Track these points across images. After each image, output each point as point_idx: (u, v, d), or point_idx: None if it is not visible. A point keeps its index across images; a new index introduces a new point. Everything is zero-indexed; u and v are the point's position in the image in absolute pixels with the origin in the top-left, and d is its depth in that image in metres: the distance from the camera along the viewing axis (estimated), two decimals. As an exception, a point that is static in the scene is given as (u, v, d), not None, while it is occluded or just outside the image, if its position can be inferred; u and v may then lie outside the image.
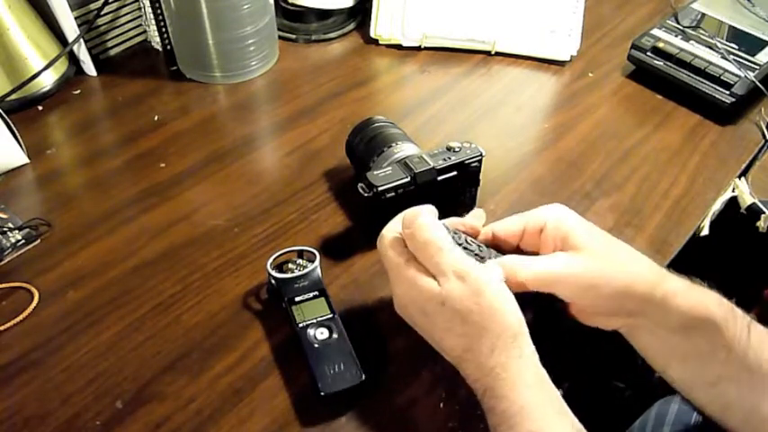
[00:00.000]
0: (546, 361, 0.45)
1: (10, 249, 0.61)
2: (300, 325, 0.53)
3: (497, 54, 0.89)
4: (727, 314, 0.46)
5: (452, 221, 0.52)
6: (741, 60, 0.80)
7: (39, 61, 0.76)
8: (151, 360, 0.53)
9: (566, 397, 0.44)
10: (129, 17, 0.85)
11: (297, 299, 0.55)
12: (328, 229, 0.65)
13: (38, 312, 0.57)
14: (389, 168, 0.59)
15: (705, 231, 0.68)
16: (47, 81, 0.78)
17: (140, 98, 0.80)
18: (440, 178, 0.59)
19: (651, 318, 0.47)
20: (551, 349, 0.45)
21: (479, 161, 0.61)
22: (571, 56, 0.88)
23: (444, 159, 0.59)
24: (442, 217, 0.50)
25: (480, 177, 0.63)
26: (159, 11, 0.79)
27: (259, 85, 0.84)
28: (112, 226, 0.64)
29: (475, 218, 0.53)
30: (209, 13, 0.76)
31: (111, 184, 0.69)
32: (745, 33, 0.85)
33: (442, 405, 0.51)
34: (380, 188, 0.57)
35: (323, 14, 0.92)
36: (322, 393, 0.49)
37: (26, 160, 0.71)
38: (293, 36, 0.91)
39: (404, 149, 0.63)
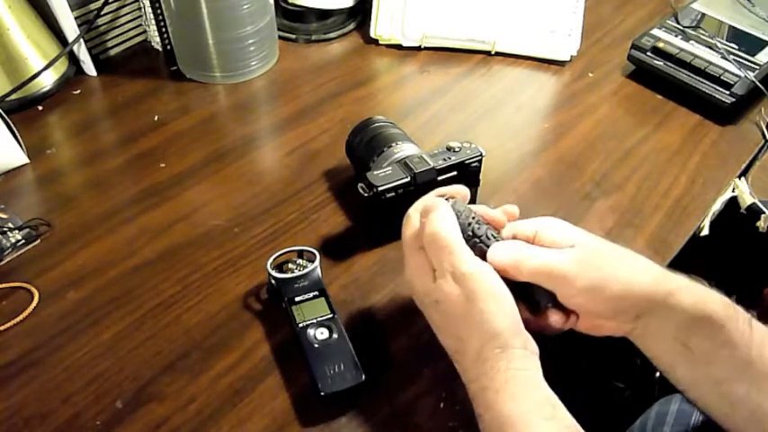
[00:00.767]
0: (546, 361, 0.45)
1: (10, 249, 0.61)
2: (300, 325, 0.53)
3: (497, 54, 0.89)
4: (729, 311, 0.45)
5: (480, 210, 0.51)
6: (741, 60, 0.80)
7: (39, 61, 0.76)
8: (151, 360, 0.53)
9: (566, 396, 0.44)
10: (129, 17, 0.85)
11: (297, 299, 0.55)
12: (328, 229, 0.65)
13: (38, 312, 0.57)
14: (389, 168, 0.59)
15: (705, 231, 0.68)
16: (47, 81, 0.78)
17: (140, 98, 0.80)
18: (440, 178, 0.59)
19: (656, 316, 0.47)
20: (551, 349, 0.45)
21: (479, 161, 0.61)
22: (571, 56, 0.88)
23: (444, 159, 0.59)
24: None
25: (480, 177, 0.63)
26: (159, 11, 0.79)
27: (259, 85, 0.84)
28: (112, 226, 0.64)
29: (504, 213, 0.52)
30: (209, 13, 0.76)
31: (111, 184, 0.69)
32: (745, 33, 0.85)
33: (442, 405, 0.51)
34: (380, 188, 0.57)
35: (323, 14, 0.92)
36: (322, 393, 0.49)
37: (26, 160, 0.71)
38: (293, 36, 0.91)
39: (404, 149, 0.63)
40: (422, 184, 0.58)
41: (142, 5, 0.84)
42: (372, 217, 0.61)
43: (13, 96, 0.75)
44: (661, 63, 0.82)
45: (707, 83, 0.78)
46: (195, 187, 0.69)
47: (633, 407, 0.72)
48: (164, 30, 0.81)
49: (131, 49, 0.88)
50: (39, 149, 0.72)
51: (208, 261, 0.61)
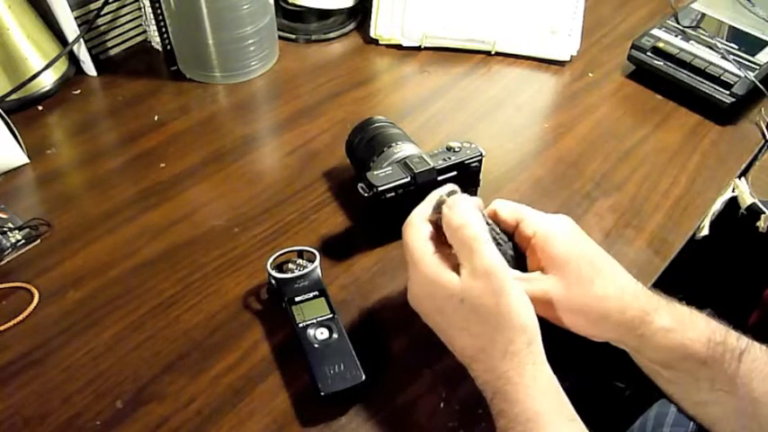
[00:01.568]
0: (546, 361, 0.45)
1: (10, 249, 0.61)
2: (300, 325, 0.53)
3: (497, 54, 0.89)
4: (715, 350, 0.45)
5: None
6: (741, 60, 0.80)
7: (39, 61, 0.76)
8: (151, 360, 0.53)
9: (567, 396, 0.44)
10: (129, 17, 0.85)
11: (297, 299, 0.55)
12: (328, 229, 0.65)
13: (38, 312, 0.57)
14: (389, 168, 0.59)
15: (705, 231, 0.68)
16: (47, 81, 0.78)
17: (140, 98, 0.80)
18: (440, 178, 0.59)
19: (629, 348, 0.48)
20: (551, 349, 0.45)
21: (479, 161, 0.61)
22: (571, 56, 0.88)
23: (444, 159, 0.59)
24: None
25: (480, 177, 0.63)
26: (159, 11, 0.79)
27: (259, 85, 0.84)
28: (112, 226, 0.64)
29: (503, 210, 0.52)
30: (209, 13, 0.76)
31: (111, 184, 0.69)
32: (745, 33, 0.85)
33: (442, 405, 0.51)
34: (380, 188, 0.57)
35: (323, 14, 0.92)
36: (322, 393, 0.49)
37: (26, 160, 0.71)
38: (293, 36, 0.91)
39: (404, 149, 0.63)
40: (422, 184, 0.58)
41: (142, 5, 0.84)
42: (372, 217, 0.61)
43: (13, 96, 0.75)
44: (661, 63, 0.82)
45: (707, 83, 0.78)
46: (195, 187, 0.69)
47: (633, 407, 0.72)
48: (164, 30, 0.81)
49: (131, 49, 0.88)
50: (39, 149, 0.72)
51: (208, 261, 0.61)
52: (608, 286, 0.46)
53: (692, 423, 0.64)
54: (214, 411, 0.50)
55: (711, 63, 0.79)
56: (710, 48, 0.81)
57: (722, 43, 0.82)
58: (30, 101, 0.77)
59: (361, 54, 0.89)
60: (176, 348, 0.54)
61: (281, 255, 0.59)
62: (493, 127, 0.78)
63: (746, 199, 0.70)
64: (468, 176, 0.61)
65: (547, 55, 0.88)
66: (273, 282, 0.57)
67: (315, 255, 0.58)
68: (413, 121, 0.77)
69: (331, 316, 0.54)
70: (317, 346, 0.52)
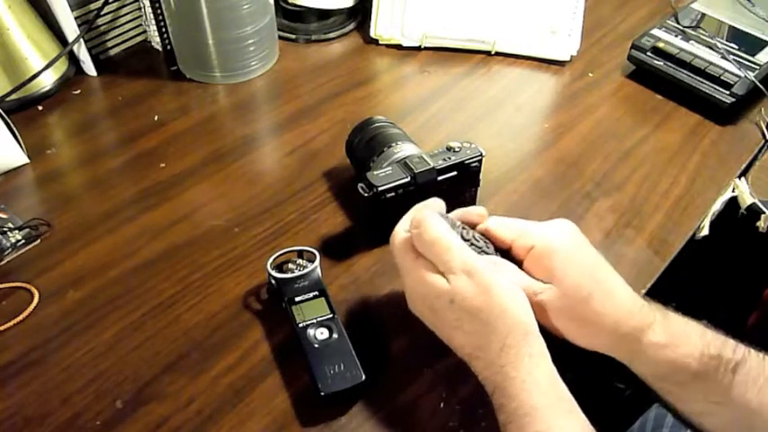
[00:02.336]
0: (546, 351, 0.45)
1: (10, 249, 0.61)
2: (300, 325, 0.53)
3: (497, 54, 0.89)
4: (708, 364, 0.45)
5: (458, 213, 0.52)
6: (741, 60, 0.80)
7: (39, 61, 0.76)
8: (151, 360, 0.53)
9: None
10: (129, 17, 0.85)
11: (297, 299, 0.55)
12: (328, 229, 0.65)
13: (38, 312, 0.57)
14: (389, 168, 0.59)
15: (705, 231, 0.68)
16: (47, 81, 0.78)
17: (140, 98, 0.80)
18: (440, 178, 0.59)
19: (622, 359, 0.48)
20: (551, 349, 0.45)
21: (479, 161, 0.61)
22: (571, 56, 0.88)
23: (444, 159, 0.59)
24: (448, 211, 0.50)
25: (480, 177, 0.63)
26: (159, 11, 0.79)
27: (259, 85, 0.84)
28: (112, 226, 0.64)
29: (477, 215, 0.52)
30: (209, 13, 0.76)
31: (111, 184, 0.69)
32: (745, 33, 0.85)
33: (442, 405, 0.51)
34: (380, 188, 0.57)
35: (323, 14, 0.92)
36: (322, 393, 0.49)
37: (26, 160, 0.71)
38: (293, 36, 0.91)
39: (404, 149, 0.63)
40: (422, 184, 0.58)
41: (142, 5, 0.84)
42: (372, 217, 0.61)
43: (13, 96, 0.75)
44: (661, 63, 0.82)
45: (707, 83, 0.78)
46: (195, 187, 0.69)
47: (633, 407, 0.72)
48: (164, 30, 0.81)
49: (131, 49, 0.88)
50: (39, 149, 0.72)
51: (208, 261, 0.61)
52: (605, 303, 0.46)
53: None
54: (214, 411, 0.50)
55: (711, 63, 0.79)
56: (710, 48, 0.81)
57: (722, 43, 0.82)
58: (30, 101, 0.77)
59: (361, 54, 0.89)
60: (176, 348, 0.54)
61: (281, 255, 0.59)
62: (493, 127, 0.78)
63: (746, 199, 0.70)
64: (468, 176, 0.61)
65: (547, 55, 0.88)
66: (273, 282, 0.57)
67: (315, 255, 0.58)
68: (413, 121, 0.77)
69: (331, 316, 0.54)
70: (317, 346, 0.52)
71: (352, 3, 0.93)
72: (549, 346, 0.45)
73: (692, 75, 0.80)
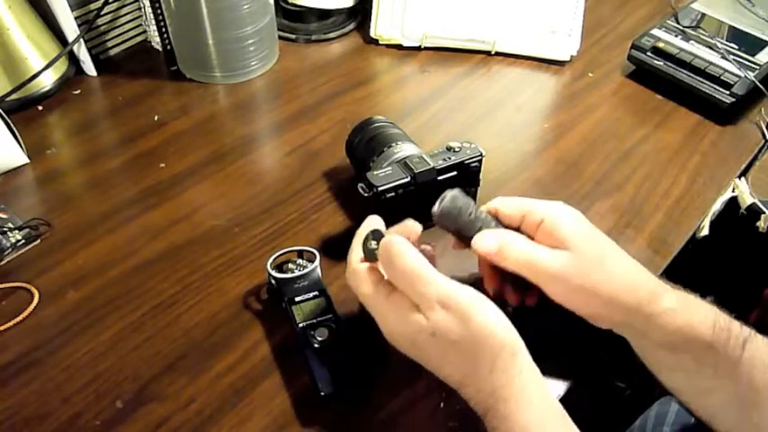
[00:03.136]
0: (547, 361, 0.44)
1: (10, 249, 0.61)
2: (300, 325, 0.53)
3: (497, 54, 0.89)
4: (720, 335, 0.45)
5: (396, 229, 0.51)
6: (741, 60, 0.80)
7: (39, 61, 0.76)
8: (151, 360, 0.53)
9: (567, 396, 0.44)
10: (129, 17, 0.85)
11: (297, 299, 0.55)
12: (328, 229, 0.65)
13: (38, 312, 0.57)
14: (389, 168, 0.59)
15: (705, 231, 0.68)
16: (47, 81, 0.78)
17: (140, 98, 0.80)
18: (440, 178, 0.59)
19: (636, 331, 0.48)
20: (551, 350, 0.45)
21: (479, 161, 0.61)
22: (571, 56, 0.88)
23: (444, 159, 0.59)
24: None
25: (480, 177, 0.63)
26: (159, 11, 0.79)
27: (259, 85, 0.84)
28: (112, 226, 0.64)
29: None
30: (209, 13, 0.76)
31: (111, 184, 0.69)
32: (745, 33, 0.85)
33: (442, 405, 0.51)
34: (380, 188, 0.57)
35: (323, 14, 0.92)
36: (322, 393, 0.49)
37: (26, 160, 0.71)
38: (293, 36, 0.91)
39: (404, 149, 0.63)
40: (422, 184, 0.58)
41: (142, 5, 0.84)
42: (372, 217, 0.61)
43: (13, 96, 0.75)
44: (661, 63, 0.82)
45: (707, 83, 0.78)
46: (195, 187, 0.69)
47: (633, 407, 0.72)
48: (164, 30, 0.81)
49: (131, 49, 0.88)
50: (39, 149, 0.72)
51: (208, 261, 0.61)
52: (618, 266, 0.47)
53: (692, 421, 0.64)
54: (214, 411, 0.50)
55: (711, 63, 0.79)
56: (710, 48, 0.81)
57: (722, 43, 0.82)
58: (30, 101, 0.77)
59: (361, 54, 0.89)
60: (176, 348, 0.54)
61: (281, 255, 0.59)
62: (493, 127, 0.78)
63: (746, 199, 0.70)
64: (468, 176, 0.61)
65: (547, 55, 0.88)
66: (273, 282, 0.57)
67: (315, 255, 0.58)
68: (413, 121, 0.77)
69: (331, 316, 0.54)
70: (317, 346, 0.52)
71: (352, 3, 0.93)
72: (549, 346, 0.45)
73: (692, 75, 0.80)
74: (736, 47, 0.82)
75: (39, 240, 0.63)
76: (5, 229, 0.62)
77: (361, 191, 0.58)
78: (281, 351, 0.54)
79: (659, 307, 0.46)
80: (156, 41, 0.86)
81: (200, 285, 0.59)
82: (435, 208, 0.50)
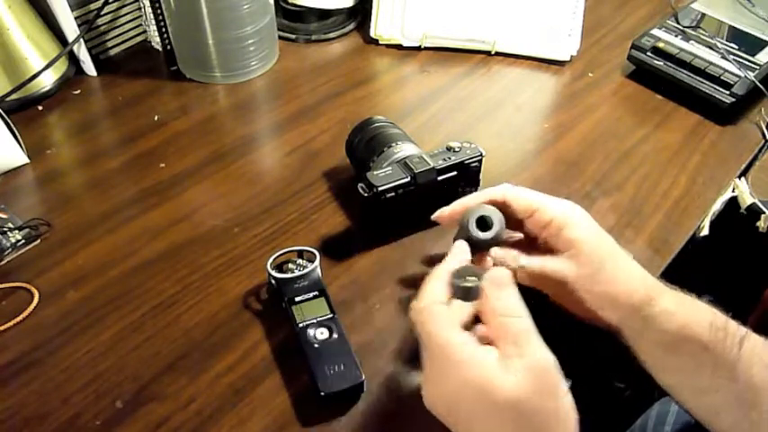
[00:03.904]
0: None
1: (10, 249, 0.61)
2: (300, 325, 0.53)
3: (497, 54, 0.89)
4: (717, 335, 0.45)
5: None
6: (741, 60, 0.80)
7: (39, 61, 0.76)
8: (151, 360, 0.53)
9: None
10: (129, 17, 0.85)
11: (297, 299, 0.55)
12: (328, 229, 0.65)
13: (38, 312, 0.57)
14: (389, 168, 0.59)
15: (705, 231, 0.68)
16: (47, 81, 0.78)
17: (140, 98, 0.80)
18: (440, 178, 0.59)
19: (633, 331, 0.48)
20: (552, 349, 0.45)
21: (479, 161, 0.61)
22: (571, 56, 0.88)
23: (444, 159, 0.60)
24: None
25: (480, 177, 0.63)
26: (159, 11, 0.79)
27: (259, 85, 0.84)
28: (112, 226, 0.64)
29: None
30: (209, 13, 0.76)
31: (111, 184, 0.69)
32: (745, 33, 0.85)
33: (442, 405, 0.51)
34: (380, 188, 0.57)
35: (323, 14, 0.92)
36: (322, 393, 0.49)
37: (26, 160, 0.71)
38: (293, 36, 0.91)
39: (404, 149, 0.63)
40: (422, 184, 0.58)
41: (142, 5, 0.84)
42: (372, 217, 0.61)
43: (13, 96, 0.75)
44: (661, 63, 0.82)
45: (707, 83, 0.78)
46: (195, 187, 0.69)
47: (633, 407, 0.72)
48: (164, 30, 0.81)
49: (131, 49, 0.88)
50: (39, 149, 0.72)
51: (208, 261, 0.61)
52: (618, 270, 0.48)
53: (693, 421, 0.64)
54: (214, 411, 0.50)
55: (711, 63, 0.79)
56: (710, 48, 0.81)
57: (722, 43, 0.82)
58: (30, 101, 0.77)
59: (361, 54, 0.89)
60: (176, 348, 0.54)
61: (281, 255, 0.59)
62: (493, 127, 0.78)
63: (746, 199, 0.70)
64: (468, 176, 0.61)
65: (547, 55, 0.88)
66: (273, 282, 0.57)
67: (315, 255, 0.58)
68: (413, 121, 0.77)
69: (331, 316, 0.54)
70: (317, 346, 0.52)
71: (352, 3, 0.93)
72: (548, 346, 0.45)
73: (692, 75, 0.80)
74: (736, 47, 0.82)
75: (39, 240, 0.63)
76: (5, 229, 0.62)
77: (361, 191, 0.58)
78: (281, 351, 0.54)
79: (656, 308, 0.46)
80: (156, 41, 0.86)
81: (200, 285, 0.59)
82: (488, 234, 0.49)
